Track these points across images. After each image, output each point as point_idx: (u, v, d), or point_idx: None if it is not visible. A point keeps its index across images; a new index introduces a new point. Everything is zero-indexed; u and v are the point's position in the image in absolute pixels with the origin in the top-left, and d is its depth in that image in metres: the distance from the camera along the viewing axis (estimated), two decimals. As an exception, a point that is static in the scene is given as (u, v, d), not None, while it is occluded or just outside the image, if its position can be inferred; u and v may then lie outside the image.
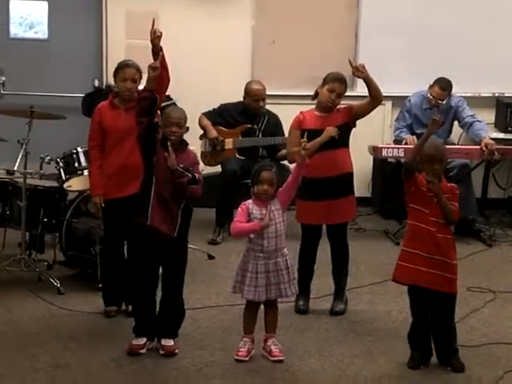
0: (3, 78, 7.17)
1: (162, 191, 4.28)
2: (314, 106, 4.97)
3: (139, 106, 4.29)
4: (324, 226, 5.01)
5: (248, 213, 4.29)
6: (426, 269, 4.18)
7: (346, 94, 4.93)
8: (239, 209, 4.33)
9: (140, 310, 4.48)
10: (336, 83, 4.84)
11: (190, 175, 4.26)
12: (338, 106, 4.90)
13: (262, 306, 4.43)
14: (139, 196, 4.36)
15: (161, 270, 4.45)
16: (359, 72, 4.76)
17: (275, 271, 4.32)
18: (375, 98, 4.83)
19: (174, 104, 6.23)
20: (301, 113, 4.95)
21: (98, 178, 4.80)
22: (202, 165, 6.50)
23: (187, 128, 4.37)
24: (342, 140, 4.86)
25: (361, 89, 7.01)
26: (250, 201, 4.34)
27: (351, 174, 4.98)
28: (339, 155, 4.88)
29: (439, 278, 4.19)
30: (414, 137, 6.65)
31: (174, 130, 4.26)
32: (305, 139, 4.41)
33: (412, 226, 4.26)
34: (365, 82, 4.79)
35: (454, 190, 4.28)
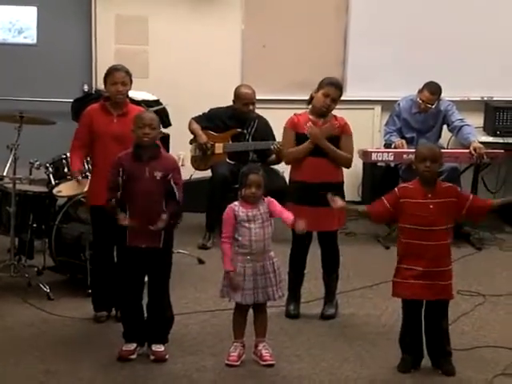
0: (-8, 83, 7.16)
1: (140, 204, 4.23)
2: (301, 111, 4.98)
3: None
4: (315, 231, 5.01)
5: (234, 216, 4.30)
6: (424, 282, 4.18)
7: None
8: (225, 215, 4.31)
9: (127, 316, 4.48)
10: (331, 88, 4.85)
11: (169, 221, 4.23)
12: (335, 114, 4.92)
13: (251, 311, 4.43)
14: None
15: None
16: None
17: (262, 274, 4.32)
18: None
19: (164, 109, 6.24)
20: (295, 115, 4.96)
21: (76, 158, 4.87)
22: (191, 169, 6.55)
23: (160, 132, 4.34)
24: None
25: (351, 93, 7.10)
26: (236, 202, 4.34)
27: (342, 184, 4.99)
28: (331, 163, 4.89)
29: (437, 287, 4.20)
30: (403, 140, 6.68)
31: (147, 132, 4.24)
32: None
33: (405, 245, 4.25)
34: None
35: (453, 192, 4.25)
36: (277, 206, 4.36)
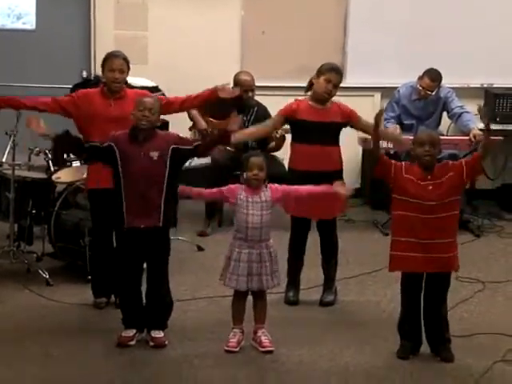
0: (-10, 69, 7.14)
1: (137, 185, 4.24)
2: (301, 97, 4.97)
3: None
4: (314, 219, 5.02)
5: (236, 195, 4.31)
6: (420, 254, 4.19)
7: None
8: (232, 185, 4.36)
9: (126, 302, 4.48)
10: (332, 73, 4.84)
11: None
12: (337, 101, 4.91)
13: (251, 298, 4.44)
14: (114, 200, 4.32)
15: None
16: None
17: (258, 262, 4.32)
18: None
19: (163, 95, 6.21)
20: (295, 101, 4.94)
21: (31, 98, 4.85)
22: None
23: (159, 118, 4.37)
24: (334, 137, 4.88)
25: (351, 79, 7.08)
26: (243, 186, 4.36)
27: (341, 171, 4.99)
28: (331, 151, 4.90)
29: (438, 260, 4.20)
30: (397, 126, 6.68)
31: (146, 114, 4.25)
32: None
33: (398, 216, 4.27)
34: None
35: (448, 168, 4.25)
36: (281, 191, 4.37)
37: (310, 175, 4.82)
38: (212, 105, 6.60)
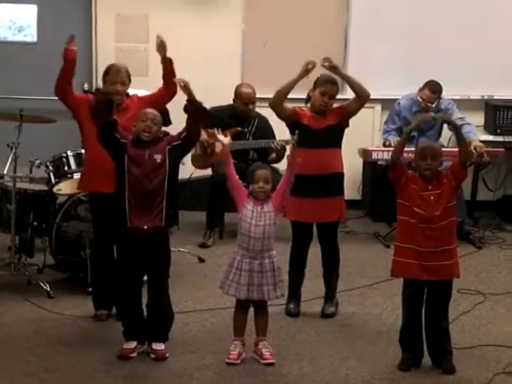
0: (-8, 81, 7.15)
1: (140, 187, 4.28)
2: (304, 108, 5.00)
3: (93, 108, 4.37)
4: (315, 228, 5.02)
5: (244, 202, 4.33)
6: (421, 262, 4.20)
7: (337, 97, 4.96)
8: (245, 189, 4.38)
9: (126, 314, 4.48)
10: (327, 85, 4.87)
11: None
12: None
13: (252, 310, 4.43)
14: (115, 199, 4.34)
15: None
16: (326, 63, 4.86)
17: (260, 272, 4.32)
18: (359, 94, 4.89)
19: (164, 107, 6.22)
20: (300, 108, 4.98)
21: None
22: (191, 168, 6.53)
23: (160, 129, 4.42)
24: (334, 140, 4.90)
25: (351, 91, 7.07)
26: (250, 196, 4.37)
27: (341, 175, 5.00)
28: (331, 154, 4.91)
29: (437, 268, 4.21)
30: (399, 139, 6.68)
31: (149, 125, 4.31)
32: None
33: (401, 222, 4.29)
34: (342, 78, 4.88)
35: (443, 176, 4.27)
36: (277, 194, 4.39)
37: (313, 179, 4.83)
38: (211, 118, 6.64)
